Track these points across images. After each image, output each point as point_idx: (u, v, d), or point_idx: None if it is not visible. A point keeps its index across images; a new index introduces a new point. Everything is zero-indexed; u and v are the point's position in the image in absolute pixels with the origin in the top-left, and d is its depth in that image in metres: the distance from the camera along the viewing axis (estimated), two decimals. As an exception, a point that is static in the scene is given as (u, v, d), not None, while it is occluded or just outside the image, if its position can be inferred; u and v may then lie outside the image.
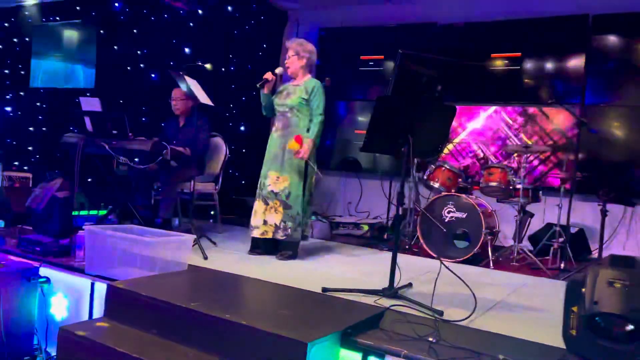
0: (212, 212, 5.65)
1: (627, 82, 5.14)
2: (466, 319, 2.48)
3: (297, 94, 3.74)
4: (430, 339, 2.25)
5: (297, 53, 3.77)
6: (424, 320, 2.46)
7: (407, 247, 4.62)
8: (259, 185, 3.79)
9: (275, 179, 3.70)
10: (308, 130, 3.72)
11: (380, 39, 6.35)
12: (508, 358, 2.08)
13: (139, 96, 5.43)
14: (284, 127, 3.73)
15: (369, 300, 2.71)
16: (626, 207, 4.99)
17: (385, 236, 5.04)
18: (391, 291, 2.80)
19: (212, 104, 3.83)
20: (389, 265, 2.85)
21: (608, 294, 1.86)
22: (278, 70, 3.79)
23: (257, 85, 3.73)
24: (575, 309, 1.96)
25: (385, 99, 2.74)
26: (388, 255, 2.89)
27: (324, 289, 2.83)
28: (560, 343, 2.13)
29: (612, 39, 5.20)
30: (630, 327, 1.84)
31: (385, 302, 2.66)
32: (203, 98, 3.74)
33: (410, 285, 3.12)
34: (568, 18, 5.34)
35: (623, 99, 5.15)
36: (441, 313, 2.53)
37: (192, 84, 3.73)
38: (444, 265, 2.63)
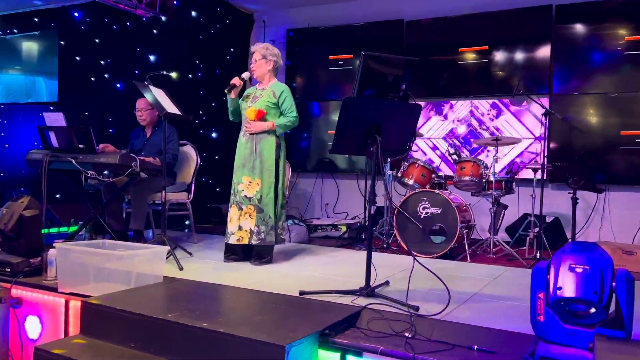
0: (186, 222, 5.70)
1: (592, 70, 5.35)
2: (441, 312, 2.59)
3: (264, 97, 3.83)
4: (407, 334, 2.35)
5: (265, 57, 3.87)
6: (400, 316, 2.56)
7: (384, 245, 4.73)
8: (232, 192, 3.87)
9: (248, 183, 3.78)
10: (274, 132, 3.85)
11: (348, 38, 6.47)
12: (482, 348, 2.20)
13: (104, 107, 5.44)
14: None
15: (347, 300, 2.81)
16: (598, 194, 5.19)
17: (363, 236, 5.15)
18: (368, 290, 2.90)
19: (181, 113, 3.88)
20: (364, 264, 2.95)
21: (570, 279, 1.99)
22: (245, 75, 3.88)
23: (225, 91, 3.82)
24: (541, 295, 2.09)
25: (351, 100, 2.84)
26: (363, 254, 2.98)
27: (301, 292, 2.92)
28: (532, 330, 2.25)
29: (576, 27, 5.40)
30: (592, 309, 1.97)
31: (362, 302, 2.76)
32: (170, 107, 3.79)
33: (387, 283, 3.22)
34: (532, 9, 5.54)
35: (590, 86, 5.36)
36: (417, 308, 2.64)
37: (157, 94, 3.78)
38: (417, 261, 2.73)
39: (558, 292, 2.00)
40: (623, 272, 1.98)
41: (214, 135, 6.53)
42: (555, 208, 5.37)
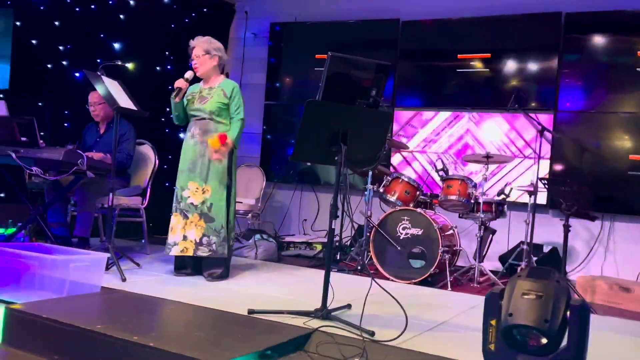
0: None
1: (602, 86, 5.52)
2: (396, 338, 2.72)
3: (214, 97, 3.99)
4: (356, 360, 2.48)
5: (208, 51, 4.02)
6: (354, 341, 2.69)
7: (358, 267, 4.86)
8: (175, 198, 4.00)
9: (195, 189, 3.92)
10: None
11: (338, 36, 6.63)
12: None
13: (61, 98, 5.56)
14: (203, 134, 3.97)
15: (299, 322, 2.93)
16: (603, 222, 5.34)
17: (338, 256, 5.27)
18: (323, 312, 3.03)
19: (136, 108, 4.02)
20: (333, 286, 3.08)
21: (522, 306, 2.12)
22: (188, 75, 3.97)
23: (172, 97, 3.93)
24: (493, 322, 2.22)
25: (314, 104, 2.99)
26: (334, 275, 3.10)
27: (250, 311, 3.04)
28: (486, 361, 2.38)
29: (587, 39, 5.58)
30: (544, 340, 2.10)
31: (316, 324, 2.88)
32: (123, 102, 3.93)
33: (349, 306, 3.35)
34: (540, 16, 5.72)
35: (598, 104, 5.52)
36: (372, 333, 2.76)
37: (110, 86, 3.91)
38: (375, 281, 2.87)
39: (509, 318, 2.13)
40: (578, 303, 2.11)
41: (182, 135, 6.66)
42: (555, 237, 5.49)
